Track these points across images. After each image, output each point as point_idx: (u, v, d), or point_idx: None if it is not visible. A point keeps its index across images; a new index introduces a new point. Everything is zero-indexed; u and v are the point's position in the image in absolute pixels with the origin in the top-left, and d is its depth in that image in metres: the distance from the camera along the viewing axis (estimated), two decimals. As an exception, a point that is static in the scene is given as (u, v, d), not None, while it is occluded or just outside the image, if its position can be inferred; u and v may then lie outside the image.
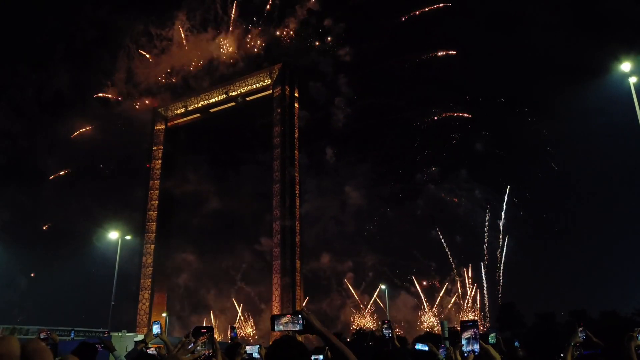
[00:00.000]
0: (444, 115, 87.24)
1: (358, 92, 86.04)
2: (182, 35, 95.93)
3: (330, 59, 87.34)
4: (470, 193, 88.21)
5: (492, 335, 11.75)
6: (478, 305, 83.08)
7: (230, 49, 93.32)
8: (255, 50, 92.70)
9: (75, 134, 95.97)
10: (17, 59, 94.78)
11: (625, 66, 30.74)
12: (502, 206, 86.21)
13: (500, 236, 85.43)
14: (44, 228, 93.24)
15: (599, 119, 70.07)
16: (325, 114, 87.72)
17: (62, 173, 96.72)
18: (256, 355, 9.99)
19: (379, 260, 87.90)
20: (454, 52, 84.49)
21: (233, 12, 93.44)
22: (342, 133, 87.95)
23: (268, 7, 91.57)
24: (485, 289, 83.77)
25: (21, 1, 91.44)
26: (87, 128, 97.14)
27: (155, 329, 7.97)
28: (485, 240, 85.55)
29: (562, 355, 7.56)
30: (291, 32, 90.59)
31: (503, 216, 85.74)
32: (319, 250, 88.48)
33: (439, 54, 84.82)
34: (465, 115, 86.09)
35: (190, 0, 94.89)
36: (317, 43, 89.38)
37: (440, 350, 9.28)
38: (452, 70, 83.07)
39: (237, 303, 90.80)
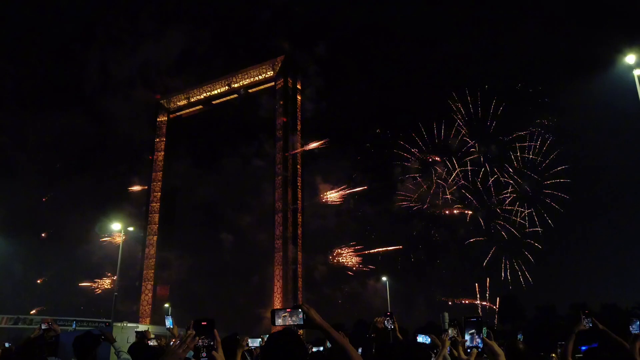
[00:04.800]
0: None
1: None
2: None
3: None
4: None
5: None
6: (478, 296, 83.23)
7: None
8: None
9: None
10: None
11: (630, 58, 30.44)
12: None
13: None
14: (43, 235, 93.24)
15: (604, 112, 69.81)
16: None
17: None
18: (258, 346, 9.97)
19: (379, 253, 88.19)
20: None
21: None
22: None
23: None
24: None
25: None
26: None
27: (168, 323, 7.89)
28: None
29: (561, 343, 7.31)
30: None
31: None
32: (320, 242, 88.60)
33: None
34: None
35: None
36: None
37: None
38: (451, 65, 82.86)
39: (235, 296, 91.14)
